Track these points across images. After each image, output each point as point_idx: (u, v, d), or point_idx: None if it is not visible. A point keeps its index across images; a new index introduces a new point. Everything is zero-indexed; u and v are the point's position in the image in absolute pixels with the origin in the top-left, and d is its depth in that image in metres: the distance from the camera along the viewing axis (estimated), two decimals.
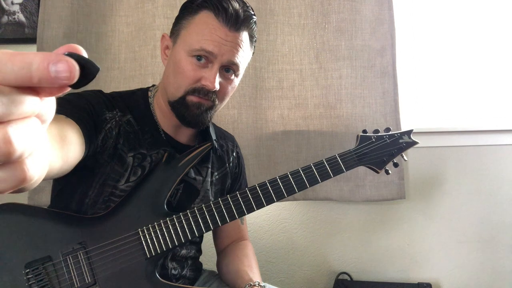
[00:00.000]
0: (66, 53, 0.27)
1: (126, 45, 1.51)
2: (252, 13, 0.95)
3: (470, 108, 1.68)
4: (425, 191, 1.62)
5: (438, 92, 1.69)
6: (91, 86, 1.57)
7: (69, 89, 0.28)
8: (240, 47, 0.92)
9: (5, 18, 1.56)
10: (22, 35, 1.56)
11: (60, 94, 0.28)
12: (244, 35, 0.94)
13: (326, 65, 1.54)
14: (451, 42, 1.68)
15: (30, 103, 0.27)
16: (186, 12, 0.95)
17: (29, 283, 0.81)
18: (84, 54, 0.28)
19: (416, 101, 1.67)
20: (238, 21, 0.90)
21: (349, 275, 1.59)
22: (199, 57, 0.90)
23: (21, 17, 1.56)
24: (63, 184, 0.96)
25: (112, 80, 1.50)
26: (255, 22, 0.96)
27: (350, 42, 1.53)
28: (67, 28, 1.44)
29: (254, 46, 1.01)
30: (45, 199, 1.41)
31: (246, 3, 0.95)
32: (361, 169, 1.53)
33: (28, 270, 0.82)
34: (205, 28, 0.90)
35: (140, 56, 1.50)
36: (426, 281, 1.57)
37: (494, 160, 1.60)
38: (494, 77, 1.68)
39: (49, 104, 0.29)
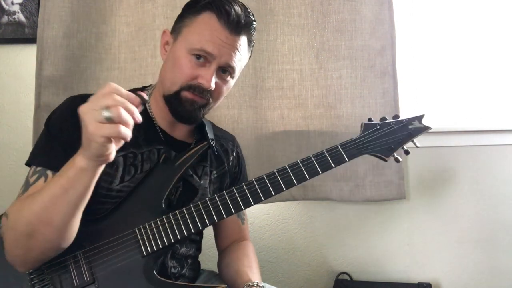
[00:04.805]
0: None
1: (126, 45, 1.51)
2: (253, 19, 0.98)
3: (470, 108, 1.68)
4: (425, 191, 1.62)
5: (438, 92, 1.69)
6: (92, 87, 1.54)
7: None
8: (238, 51, 0.95)
9: (5, 18, 1.56)
10: (22, 35, 1.56)
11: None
12: (243, 40, 0.97)
13: (326, 65, 1.54)
14: (451, 42, 1.68)
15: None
16: (189, 11, 0.97)
17: (32, 282, 0.84)
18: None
19: (416, 101, 1.67)
20: (239, 25, 0.94)
21: (349, 275, 1.60)
22: (198, 56, 0.93)
23: (21, 17, 1.56)
24: None
25: (112, 80, 1.48)
26: (254, 28, 1.00)
27: (350, 42, 1.53)
28: (67, 28, 1.44)
29: (251, 51, 1.04)
30: None
31: (248, 9, 0.98)
32: (361, 169, 1.53)
33: (31, 270, 0.84)
34: (206, 29, 0.93)
35: (140, 56, 1.50)
36: (426, 281, 1.58)
37: (494, 160, 1.61)
38: (494, 77, 1.68)
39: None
